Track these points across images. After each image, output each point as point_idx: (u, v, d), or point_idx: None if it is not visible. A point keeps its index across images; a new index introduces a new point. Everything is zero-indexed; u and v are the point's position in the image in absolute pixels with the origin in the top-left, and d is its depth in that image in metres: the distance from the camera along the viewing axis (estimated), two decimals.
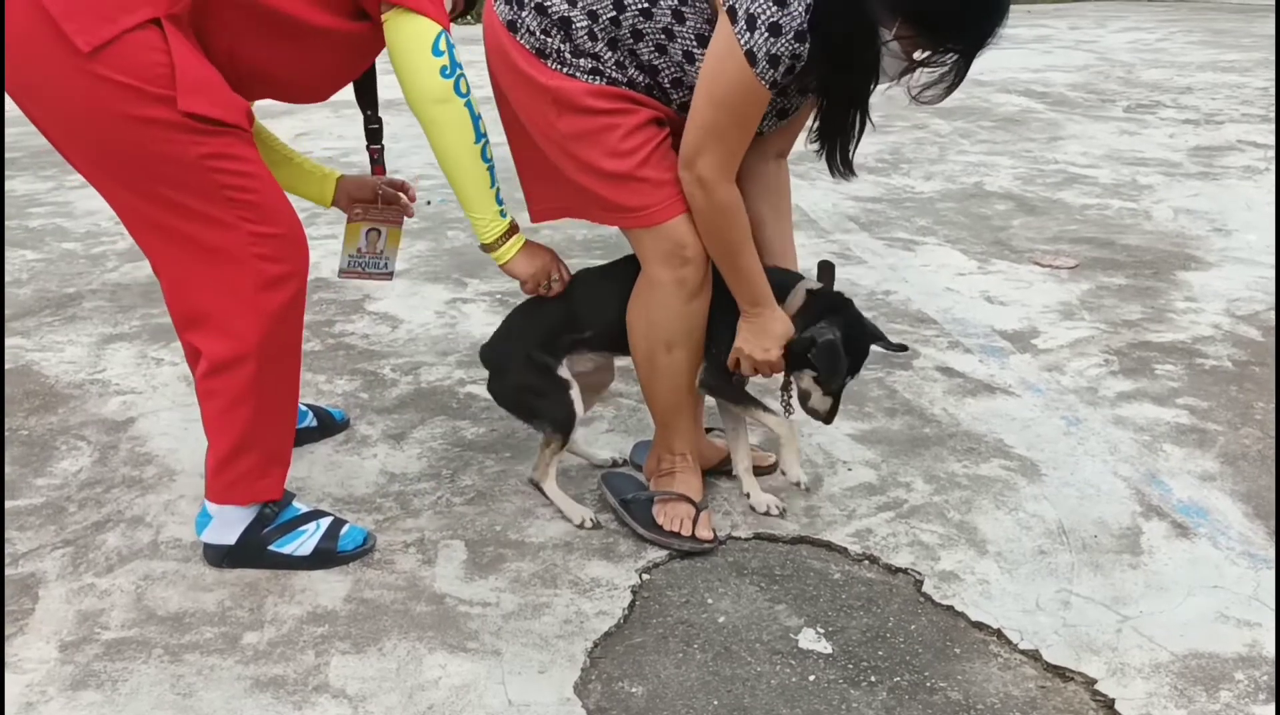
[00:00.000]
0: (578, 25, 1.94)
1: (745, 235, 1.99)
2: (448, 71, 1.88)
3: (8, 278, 3.71)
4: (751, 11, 1.78)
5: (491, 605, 1.97)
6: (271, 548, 2.06)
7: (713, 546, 2.13)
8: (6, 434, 2.62)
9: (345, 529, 2.12)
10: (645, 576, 2.06)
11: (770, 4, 1.77)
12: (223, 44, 1.87)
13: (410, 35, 1.87)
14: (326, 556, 2.08)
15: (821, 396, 2.13)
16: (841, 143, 2.05)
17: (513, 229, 2.08)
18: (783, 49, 1.79)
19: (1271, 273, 3.58)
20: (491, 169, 2.00)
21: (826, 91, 1.98)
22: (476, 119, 1.94)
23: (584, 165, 1.99)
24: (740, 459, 2.27)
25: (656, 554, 2.11)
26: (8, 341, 3.17)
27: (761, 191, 2.18)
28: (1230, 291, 3.44)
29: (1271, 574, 2.04)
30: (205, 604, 1.98)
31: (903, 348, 2.26)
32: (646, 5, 1.90)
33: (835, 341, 2.04)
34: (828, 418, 2.15)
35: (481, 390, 2.82)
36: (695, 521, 2.15)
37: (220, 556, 2.07)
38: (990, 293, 3.47)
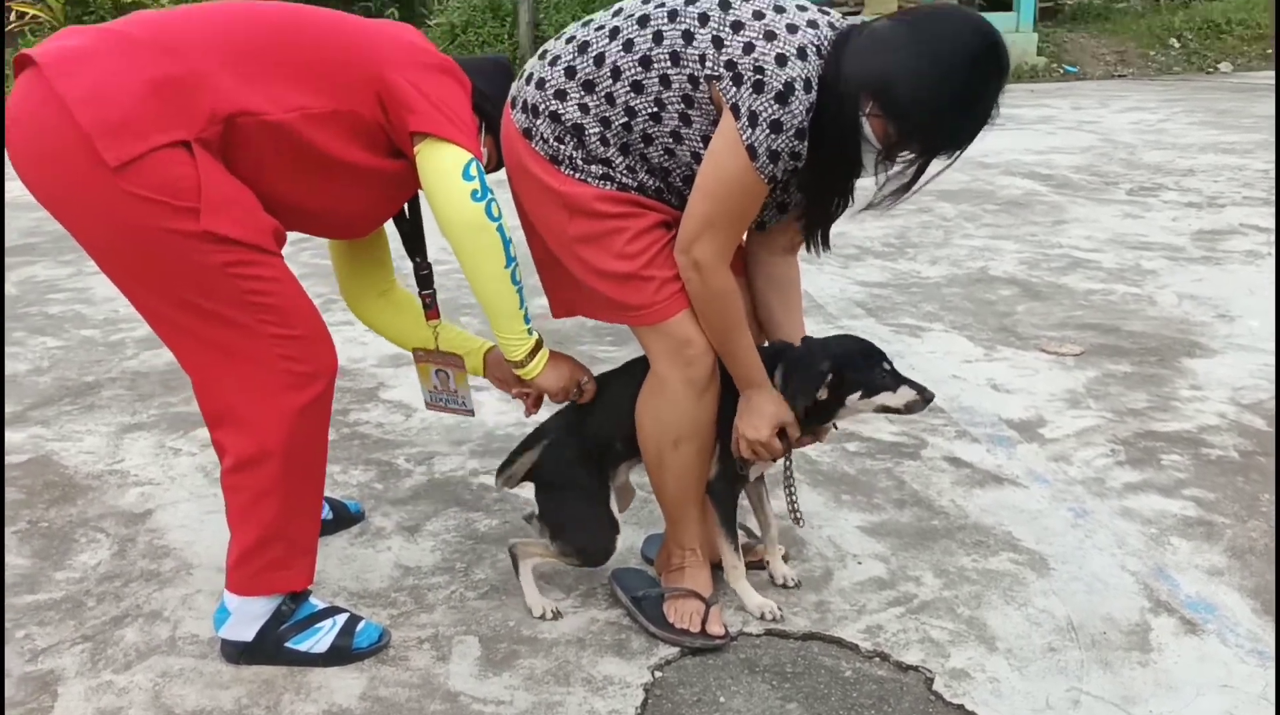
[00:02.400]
0: (590, 131, 2.02)
1: (740, 319, 2.05)
2: (479, 195, 1.95)
3: (29, 365, 3.78)
4: (754, 109, 1.86)
5: (505, 704, 1.98)
6: (288, 645, 2.09)
7: (724, 643, 2.15)
8: (29, 526, 2.66)
9: (361, 625, 2.14)
10: (658, 674, 2.07)
11: (772, 102, 1.85)
12: (252, 173, 1.93)
13: (441, 161, 1.95)
14: (342, 654, 2.10)
15: (893, 393, 2.16)
16: (823, 227, 2.13)
17: (539, 345, 2.14)
18: (783, 145, 1.87)
19: (1274, 362, 3.62)
20: (520, 291, 2.07)
21: (817, 181, 2.05)
22: (508, 243, 2.01)
23: (592, 267, 2.05)
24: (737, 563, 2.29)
25: (669, 651, 2.13)
26: (29, 430, 3.22)
27: (770, 285, 2.24)
28: (1234, 379, 3.47)
29: None
30: (222, 702, 2.00)
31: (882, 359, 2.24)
32: (655, 110, 1.98)
33: (823, 370, 2.10)
34: (924, 393, 2.17)
35: (493, 481, 2.86)
36: (706, 617, 2.17)
37: (238, 653, 2.10)
38: (997, 380, 3.51)
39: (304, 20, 2.01)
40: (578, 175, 2.03)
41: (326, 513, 2.59)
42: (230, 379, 1.96)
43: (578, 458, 2.24)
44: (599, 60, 2.00)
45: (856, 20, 1.98)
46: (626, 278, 2.03)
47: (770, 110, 1.85)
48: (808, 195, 2.07)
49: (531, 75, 2.07)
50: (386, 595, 2.34)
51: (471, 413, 2.57)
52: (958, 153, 1.91)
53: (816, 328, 3.95)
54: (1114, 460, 2.94)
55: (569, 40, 2.06)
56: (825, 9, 2.03)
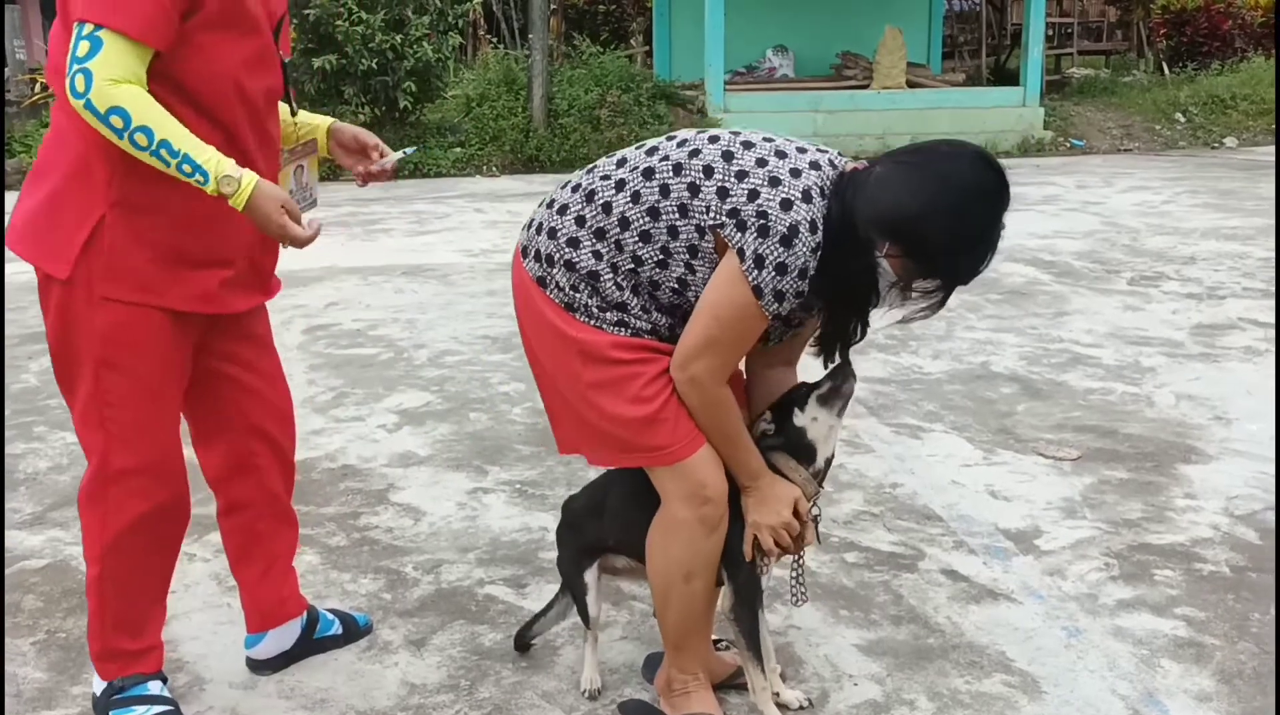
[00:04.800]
0: (605, 278, 2.10)
1: (738, 422, 2.15)
2: (75, 90, 1.92)
3: (49, 462, 3.87)
4: (760, 252, 1.96)
5: None
6: (109, 713, 2.31)
7: None
8: (46, 637, 2.73)
9: None
10: None
11: (777, 245, 1.95)
12: None
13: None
14: None
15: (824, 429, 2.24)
16: (842, 346, 2.22)
17: (230, 182, 1.99)
18: (788, 287, 1.97)
19: (1271, 468, 3.68)
20: (167, 154, 1.95)
21: (832, 310, 2.14)
22: (106, 123, 1.93)
23: (606, 412, 2.11)
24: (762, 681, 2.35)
25: None
26: (48, 533, 3.30)
27: (767, 397, 2.32)
28: (1230, 488, 3.53)
29: None
30: None
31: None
32: (662, 257, 2.07)
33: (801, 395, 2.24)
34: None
35: (498, 591, 2.94)
36: None
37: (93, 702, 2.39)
38: (995, 487, 3.57)
39: None
40: (593, 323, 2.11)
41: (336, 628, 2.66)
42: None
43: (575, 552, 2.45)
44: (607, 208, 2.10)
45: (857, 163, 2.09)
46: (644, 421, 2.09)
47: (776, 253, 1.96)
48: (826, 322, 2.17)
49: (541, 225, 2.16)
50: (392, 714, 2.40)
51: (315, 203, 2.49)
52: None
53: None
54: (1108, 575, 2.99)
55: (574, 188, 2.16)
56: (824, 148, 2.13)
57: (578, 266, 2.11)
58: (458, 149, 14.22)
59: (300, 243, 2.07)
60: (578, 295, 2.12)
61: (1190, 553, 3.11)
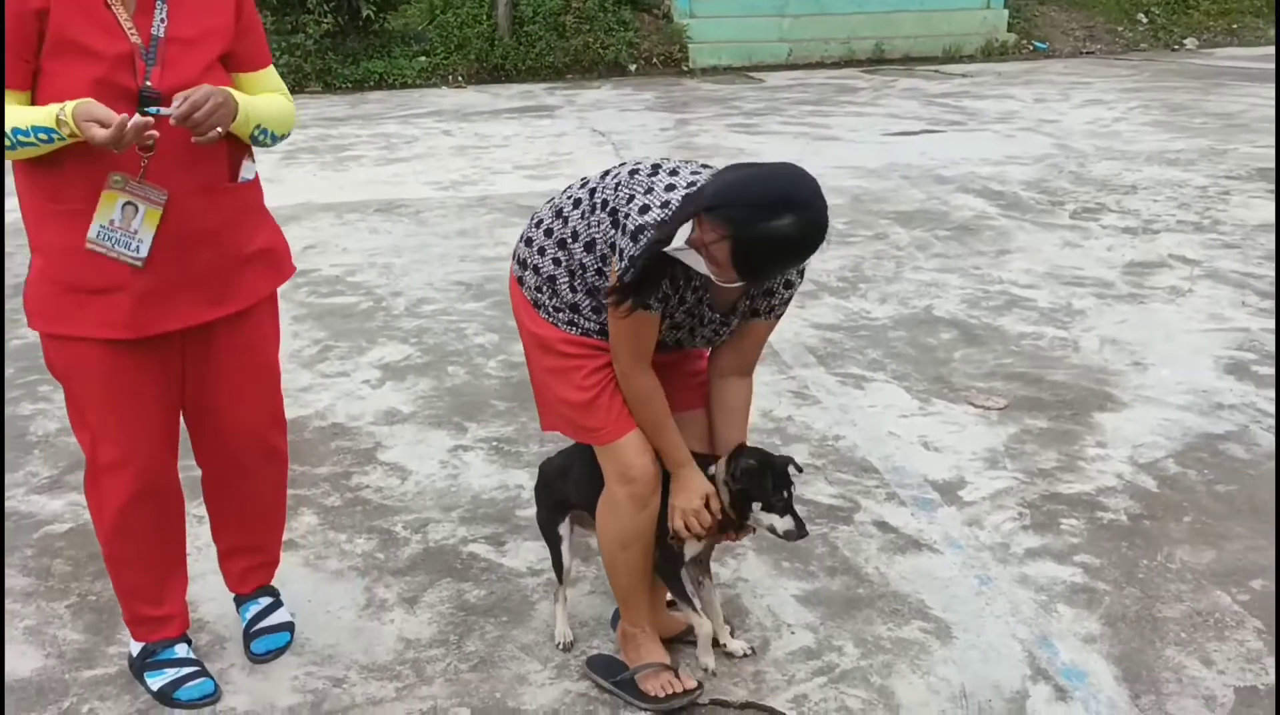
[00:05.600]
0: (561, 281, 2.48)
1: (663, 412, 2.48)
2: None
3: (59, 424, 4.16)
4: (623, 249, 2.31)
5: None
6: (144, 674, 2.70)
7: (700, 691, 2.61)
8: (79, 600, 3.07)
9: (195, 681, 2.66)
10: None
11: (629, 242, 2.30)
12: None
13: None
14: (164, 698, 2.66)
15: (780, 518, 2.57)
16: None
17: (60, 121, 2.18)
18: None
19: (1178, 414, 4.07)
20: (22, 139, 2.20)
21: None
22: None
23: (557, 394, 2.53)
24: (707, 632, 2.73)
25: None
26: (66, 497, 3.62)
27: (718, 406, 2.65)
28: (1137, 436, 3.92)
29: None
30: None
31: (799, 469, 2.67)
32: (599, 266, 2.42)
33: (752, 464, 2.54)
34: (800, 530, 2.58)
35: (480, 549, 3.30)
36: (679, 677, 2.62)
37: (129, 662, 2.77)
38: (928, 438, 3.95)
39: None
40: (550, 319, 2.51)
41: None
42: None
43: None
44: (565, 222, 2.47)
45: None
46: (584, 405, 2.49)
47: (629, 248, 2.29)
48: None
49: (526, 237, 2.56)
50: (391, 668, 2.77)
51: (142, 262, 2.36)
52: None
53: (771, 377, 4.38)
54: (1019, 524, 3.38)
55: (550, 206, 2.54)
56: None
57: (541, 271, 2.50)
58: (423, 58, 14.20)
59: (107, 144, 2.14)
60: (540, 295, 2.51)
61: (1094, 502, 3.50)
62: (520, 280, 2.57)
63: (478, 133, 9.88)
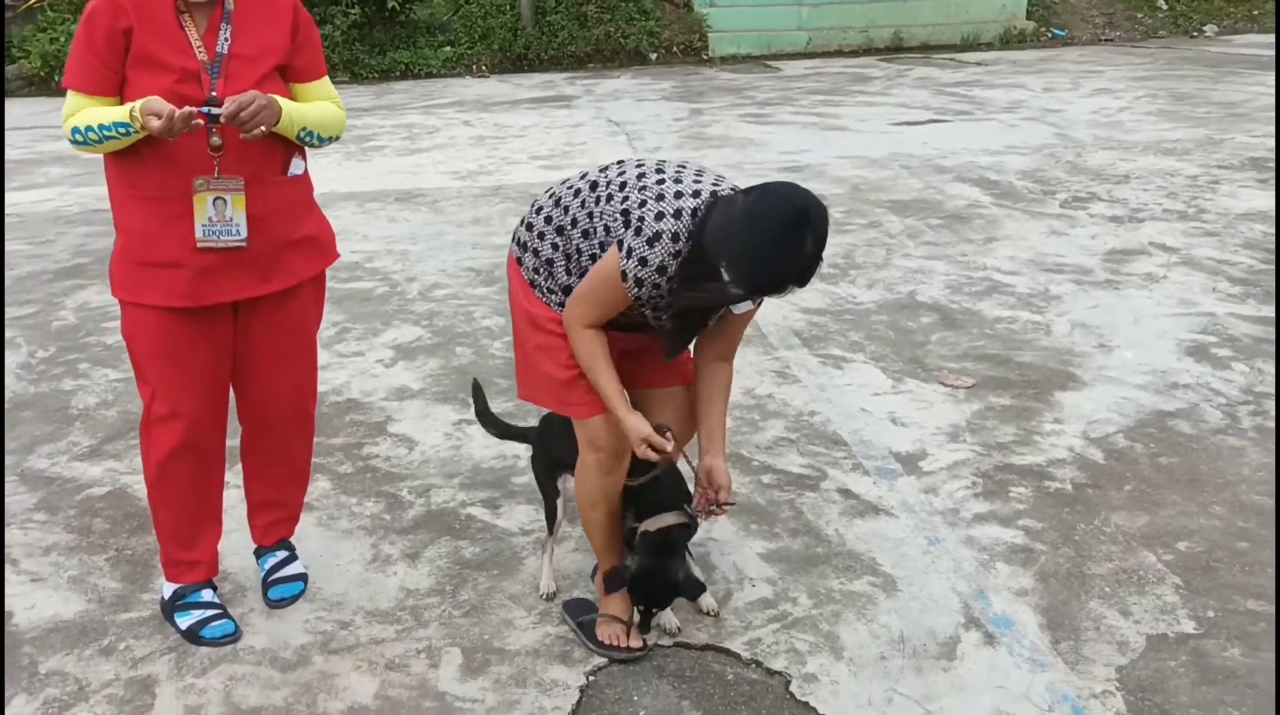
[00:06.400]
0: (557, 265, 2.77)
1: (596, 359, 2.69)
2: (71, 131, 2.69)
3: (96, 398, 4.54)
4: (630, 245, 2.57)
5: (479, 702, 2.76)
6: (174, 615, 3.05)
7: (642, 653, 2.92)
8: (116, 553, 3.43)
9: (217, 622, 3.01)
10: (591, 678, 2.85)
11: (645, 244, 2.55)
12: None
13: None
14: (192, 636, 3.01)
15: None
16: (684, 343, 2.84)
17: (131, 116, 2.60)
18: (645, 277, 2.57)
19: (1134, 393, 4.34)
20: (90, 131, 2.65)
21: (682, 312, 2.73)
22: (75, 134, 2.68)
23: (541, 370, 2.83)
24: None
25: (601, 660, 2.90)
26: (105, 464, 3.99)
27: (702, 386, 2.90)
28: (1092, 412, 4.20)
29: (1045, 676, 2.81)
30: (274, 700, 2.78)
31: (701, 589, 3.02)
32: (596, 252, 2.70)
33: (638, 573, 2.86)
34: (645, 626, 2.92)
35: (477, 511, 3.63)
36: (629, 634, 2.94)
37: (161, 605, 3.12)
38: (896, 414, 4.24)
39: None
40: (544, 299, 2.80)
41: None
42: None
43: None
44: (565, 210, 2.76)
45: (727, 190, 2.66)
46: (565, 382, 2.80)
47: (641, 248, 2.55)
48: (676, 322, 2.77)
49: (528, 222, 2.86)
50: (393, 614, 3.11)
51: (245, 242, 2.76)
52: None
53: (756, 357, 4.68)
54: (971, 492, 3.68)
55: (550, 196, 2.84)
56: (717, 179, 2.72)
57: (540, 253, 2.79)
58: (447, 48, 14.52)
59: (161, 133, 2.54)
60: (537, 276, 2.80)
61: (1044, 472, 3.79)
62: (519, 261, 2.86)
63: (496, 123, 10.21)
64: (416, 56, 14.21)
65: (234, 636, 3.01)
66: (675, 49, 15.04)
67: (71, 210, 7.25)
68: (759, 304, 2.69)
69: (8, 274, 6.05)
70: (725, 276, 2.45)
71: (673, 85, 12.57)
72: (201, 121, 2.60)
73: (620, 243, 2.60)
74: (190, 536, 3.07)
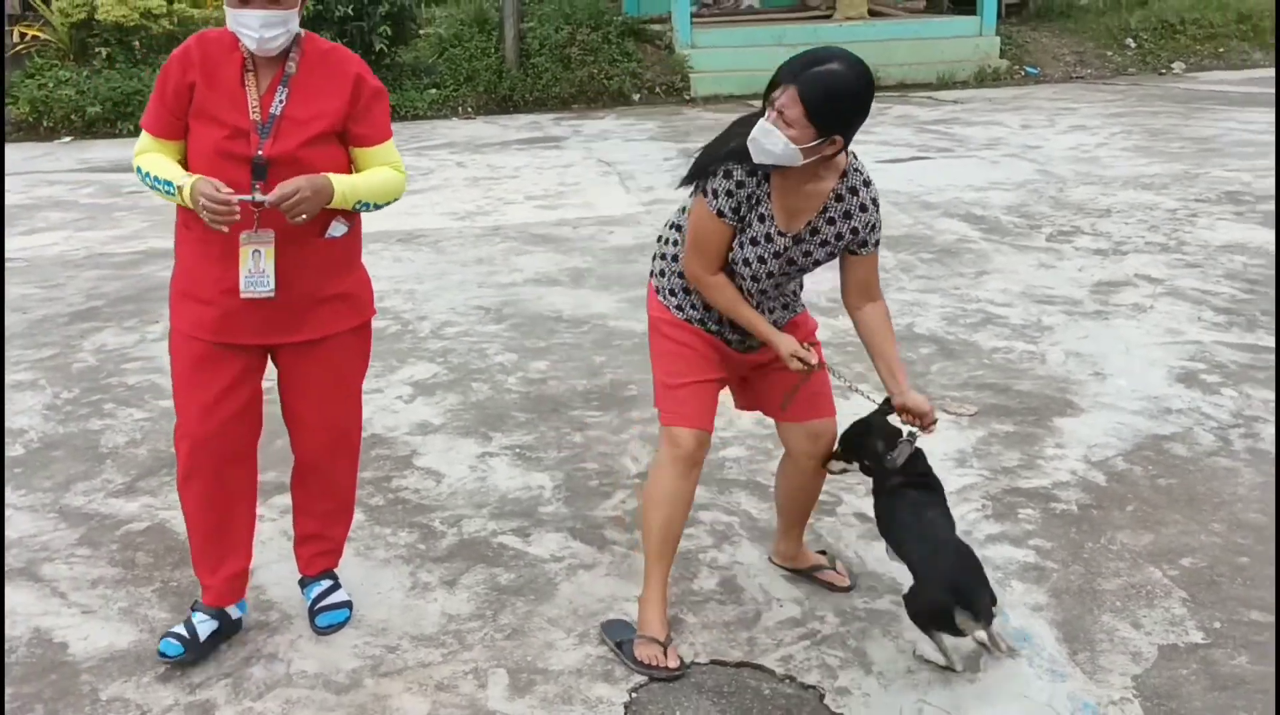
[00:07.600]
0: (676, 276, 3.11)
1: (731, 301, 2.98)
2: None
3: (125, 437, 4.65)
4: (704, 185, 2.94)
5: None
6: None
7: (680, 673, 3.05)
8: (162, 585, 3.54)
9: (173, 640, 3.11)
10: (633, 695, 2.98)
11: (713, 176, 2.91)
12: None
13: None
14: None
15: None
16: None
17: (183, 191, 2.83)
18: (719, 186, 2.90)
19: (1130, 418, 4.53)
20: (155, 183, 2.88)
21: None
22: (145, 177, 2.90)
23: (656, 373, 3.15)
24: None
25: (641, 678, 3.03)
26: (141, 500, 4.10)
27: (862, 329, 3.17)
28: (1092, 437, 4.38)
29: (1065, 686, 2.96)
30: None
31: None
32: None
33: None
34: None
35: (509, 540, 3.76)
36: (665, 654, 3.08)
37: None
38: None
39: None
40: (664, 302, 3.13)
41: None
42: None
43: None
44: (679, 229, 3.10)
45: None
46: (666, 387, 3.10)
47: (712, 181, 2.93)
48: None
49: (659, 250, 3.18)
50: (437, 638, 3.24)
51: (273, 292, 2.92)
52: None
53: None
54: (983, 514, 3.84)
55: (669, 224, 3.17)
56: None
57: (666, 257, 3.13)
58: (433, 90, 14.71)
59: (210, 214, 2.74)
60: (662, 280, 3.14)
61: (1049, 494, 3.96)
62: (652, 272, 3.20)
63: (489, 164, 10.39)
64: (403, 99, 14.39)
65: (173, 658, 3.08)
66: (658, 89, 15.31)
67: (78, 255, 7.35)
68: (871, 248, 3.03)
69: (23, 317, 6.15)
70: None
71: (658, 125, 12.80)
72: (237, 216, 2.77)
73: (708, 189, 2.93)
74: (200, 556, 3.21)
